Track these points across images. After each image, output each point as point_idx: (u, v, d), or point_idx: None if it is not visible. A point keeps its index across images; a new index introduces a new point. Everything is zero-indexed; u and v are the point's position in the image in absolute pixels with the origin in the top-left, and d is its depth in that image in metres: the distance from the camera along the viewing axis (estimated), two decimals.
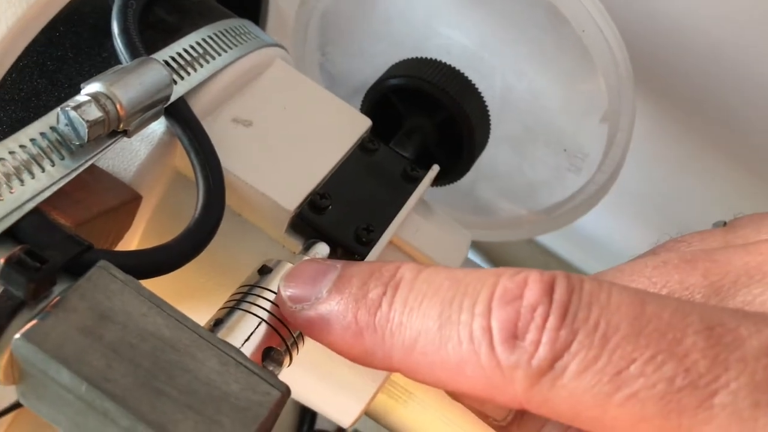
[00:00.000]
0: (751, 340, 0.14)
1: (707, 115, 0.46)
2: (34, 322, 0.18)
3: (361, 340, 0.17)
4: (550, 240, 0.67)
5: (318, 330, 0.18)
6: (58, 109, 0.20)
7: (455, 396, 0.20)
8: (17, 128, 0.20)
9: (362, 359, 0.18)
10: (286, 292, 0.19)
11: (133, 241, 0.25)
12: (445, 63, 0.31)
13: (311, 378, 0.27)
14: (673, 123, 0.48)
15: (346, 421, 0.28)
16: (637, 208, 0.59)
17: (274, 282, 0.22)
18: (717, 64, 0.41)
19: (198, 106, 0.25)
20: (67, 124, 0.20)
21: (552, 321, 0.15)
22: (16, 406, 0.35)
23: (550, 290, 0.15)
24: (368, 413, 0.29)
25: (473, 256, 0.55)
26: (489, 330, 0.15)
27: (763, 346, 0.14)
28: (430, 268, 0.17)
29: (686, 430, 0.14)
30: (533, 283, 0.15)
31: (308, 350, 0.22)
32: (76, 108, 0.20)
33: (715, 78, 0.43)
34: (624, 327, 0.14)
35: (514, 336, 0.15)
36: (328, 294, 0.18)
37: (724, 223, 0.22)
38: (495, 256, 0.63)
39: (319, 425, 0.39)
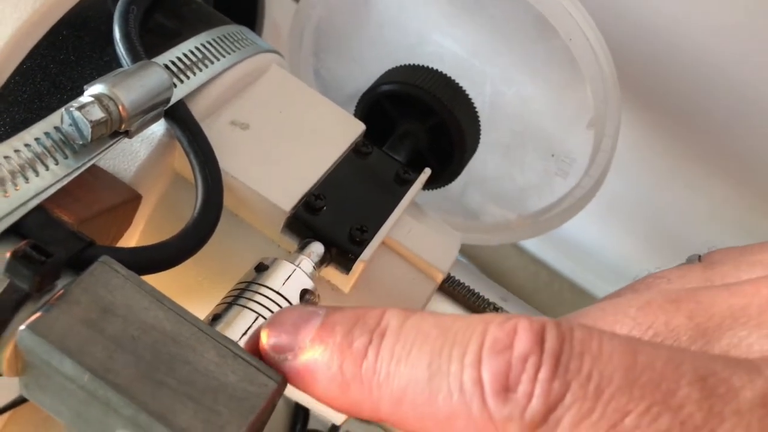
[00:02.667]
0: (744, 391, 0.14)
1: (694, 126, 0.47)
2: (38, 314, 0.18)
3: (348, 392, 0.17)
4: (539, 249, 0.67)
5: (302, 381, 0.18)
6: (63, 109, 0.21)
7: None
8: (20, 129, 0.21)
9: (349, 411, 0.17)
10: (269, 342, 0.18)
11: (132, 240, 0.26)
12: (436, 70, 0.32)
13: None
14: (660, 134, 0.49)
15: (338, 418, 0.28)
16: (625, 218, 0.60)
17: (271, 279, 0.23)
18: (703, 76, 0.42)
19: (197, 109, 0.25)
20: (71, 124, 0.21)
21: (544, 372, 0.14)
22: (15, 404, 0.36)
23: (540, 339, 0.15)
24: None
25: (464, 263, 0.56)
26: (480, 381, 0.15)
27: (757, 396, 0.14)
28: (416, 314, 0.17)
29: None
30: (523, 331, 0.15)
31: None
32: (79, 108, 0.21)
33: (702, 90, 0.43)
34: (617, 378, 0.14)
35: (505, 388, 0.15)
36: (311, 343, 0.17)
37: (699, 257, 0.22)
38: (486, 265, 0.63)
39: (311, 426, 0.40)
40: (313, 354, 0.17)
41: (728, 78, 0.42)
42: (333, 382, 0.17)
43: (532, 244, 0.67)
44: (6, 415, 0.35)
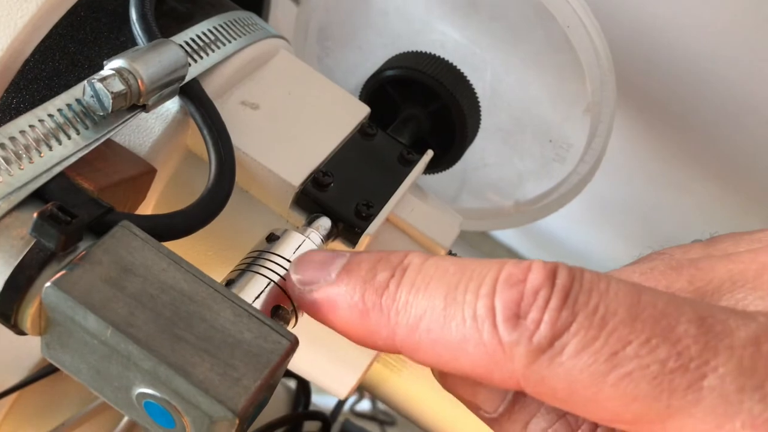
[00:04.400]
0: (738, 330, 0.15)
1: (685, 128, 0.48)
2: (62, 272, 0.19)
3: (367, 319, 0.18)
4: (533, 252, 0.68)
5: (325, 310, 0.19)
6: (85, 81, 0.22)
7: (449, 386, 0.21)
8: (39, 105, 0.22)
9: (366, 339, 0.18)
10: (296, 275, 0.20)
11: (146, 212, 0.27)
12: (439, 56, 0.33)
13: (308, 349, 0.28)
14: (651, 137, 0.50)
15: (342, 392, 0.29)
16: (618, 220, 0.61)
17: (282, 247, 0.24)
18: (694, 79, 0.43)
19: (209, 89, 0.26)
20: (92, 96, 0.22)
21: (554, 302, 0.15)
22: (21, 386, 0.37)
23: (552, 276, 0.16)
24: (363, 384, 0.31)
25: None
26: (492, 309, 0.16)
27: (750, 336, 0.15)
28: (437, 256, 0.18)
29: (675, 411, 0.14)
30: (537, 269, 0.16)
31: (306, 321, 0.23)
32: (101, 81, 0.22)
33: (693, 92, 0.44)
34: (621, 312, 0.15)
35: (516, 315, 0.16)
36: (338, 277, 0.19)
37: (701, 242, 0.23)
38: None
39: (312, 408, 0.41)
40: (338, 285, 0.18)
41: (719, 81, 0.43)
42: (354, 311, 0.18)
43: (524, 246, 0.68)
44: (11, 397, 0.36)
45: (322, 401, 0.47)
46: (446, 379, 0.20)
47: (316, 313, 0.19)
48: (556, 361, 0.15)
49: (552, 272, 0.16)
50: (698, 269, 0.19)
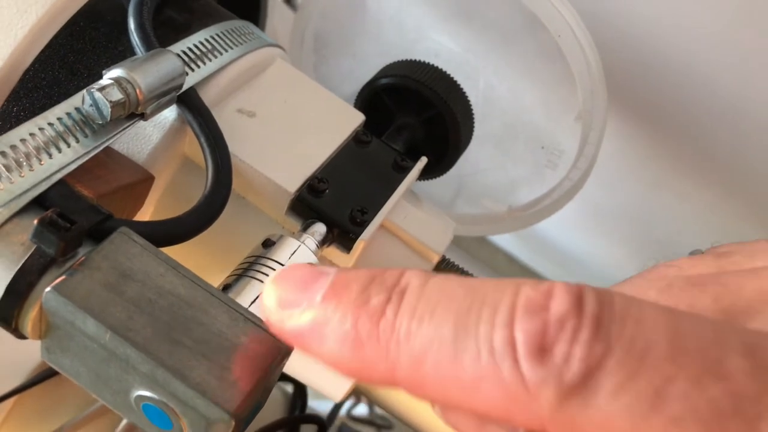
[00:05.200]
0: None
1: (680, 135, 0.48)
2: (62, 277, 0.19)
3: (361, 351, 0.15)
4: (530, 258, 0.69)
5: (310, 340, 0.16)
6: (84, 90, 0.22)
7: (452, 421, 0.19)
8: (39, 113, 0.22)
9: (360, 373, 0.16)
10: (274, 296, 0.17)
11: (143, 219, 0.27)
12: (433, 65, 0.33)
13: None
14: (646, 143, 0.50)
15: (337, 395, 0.30)
16: (613, 226, 0.61)
17: (277, 253, 0.24)
18: (689, 85, 0.44)
19: (206, 97, 0.27)
20: (91, 105, 0.22)
21: (584, 333, 0.13)
22: (20, 390, 0.37)
23: (579, 302, 0.14)
24: (359, 387, 0.31)
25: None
26: (512, 342, 0.14)
27: None
28: (440, 275, 0.16)
29: None
30: (560, 293, 0.14)
31: None
32: (100, 90, 0.22)
33: (688, 98, 0.45)
34: (662, 343, 0.13)
35: (541, 349, 0.14)
36: (323, 299, 0.16)
37: (701, 252, 0.22)
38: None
39: (309, 412, 0.41)
40: (325, 309, 0.16)
41: (711, 86, 0.43)
42: (345, 341, 0.15)
43: (521, 252, 0.68)
44: (10, 401, 0.36)
45: (319, 405, 0.47)
46: (449, 413, 0.19)
47: (300, 343, 0.17)
48: (590, 403, 0.13)
49: (578, 297, 0.14)
50: (723, 286, 0.17)
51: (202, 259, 0.28)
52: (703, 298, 0.17)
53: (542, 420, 0.14)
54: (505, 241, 0.68)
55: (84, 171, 0.23)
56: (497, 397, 0.14)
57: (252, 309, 0.22)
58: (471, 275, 0.30)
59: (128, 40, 0.26)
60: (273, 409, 0.40)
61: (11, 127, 0.25)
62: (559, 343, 0.13)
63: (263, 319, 0.18)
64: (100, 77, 0.23)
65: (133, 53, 0.26)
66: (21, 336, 0.21)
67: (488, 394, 0.14)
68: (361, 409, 0.59)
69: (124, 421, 0.39)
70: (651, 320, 0.14)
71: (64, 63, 0.26)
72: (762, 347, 0.14)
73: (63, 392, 0.38)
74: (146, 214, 0.27)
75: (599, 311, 0.14)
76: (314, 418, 0.38)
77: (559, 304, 0.14)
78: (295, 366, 0.30)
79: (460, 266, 0.30)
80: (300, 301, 0.16)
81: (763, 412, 0.13)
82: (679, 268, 0.20)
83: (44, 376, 0.36)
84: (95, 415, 0.38)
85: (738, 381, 0.13)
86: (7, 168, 0.21)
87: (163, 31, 0.28)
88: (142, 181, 0.25)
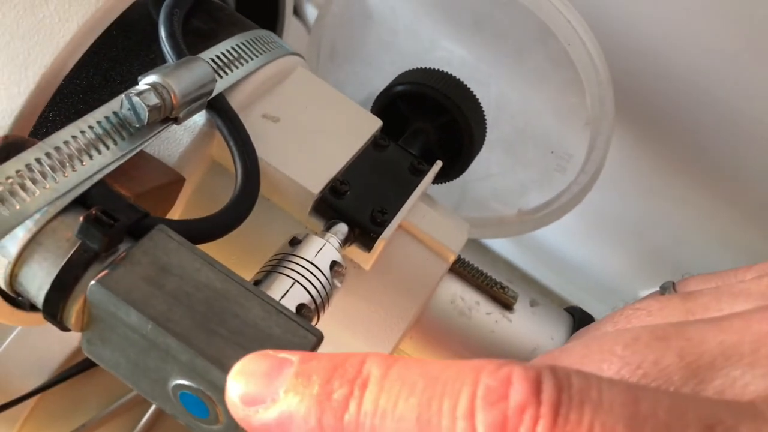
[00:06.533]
0: None
1: (681, 143, 0.49)
2: (105, 271, 0.20)
3: None
4: (532, 267, 0.69)
5: None
6: (123, 95, 0.24)
7: None
8: (75, 117, 0.23)
9: None
10: (238, 391, 0.17)
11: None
12: (446, 72, 0.35)
13: (323, 349, 0.30)
14: (651, 150, 0.51)
15: None
16: (614, 234, 0.62)
17: (304, 250, 0.25)
18: (691, 95, 0.45)
19: (233, 103, 0.28)
20: (129, 109, 0.24)
21: (543, 424, 0.14)
22: (39, 390, 0.38)
23: (536, 389, 0.14)
24: None
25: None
26: None
27: None
28: (400, 361, 0.16)
29: None
30: (518, 380, 0.14)
31: (322, 321, 0.25)
32: (138, 94, 0.23)
33: (690, 108, 0.46)
34: (620, 428, 0.13)
35: None
36: (286, 393, 0.16)
37: (673, 284, 0.22)
38: None
39: None
40: (288, 405, 0.16)
41: (716, 96, 0.44)
42: None
43: (522, 260, 0.69)
44: (32, 400, 0.37)
45: None
46: None
47: None
48: None
49: (536, 384, 0.14)
50: (687, 341, 0.17)
51: (228, 257, 0.29)
52: (668, 354, 0.17)
53: None
54: (505, 249, 0.68)
55: (121, 172, 0.24)
56: None
57: (282, 302, 0.23)
58: (486, 274, 0.31)
59: (159, 48, 0.27)
60: None
61: (47, 131, 0.26)
62: None
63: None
64: (133, 83, 0.24)
65: (163, 61, 0.27)
66: (65, 328, 0.22)
67: None
68: None
69: (144, 420, 0.40)
70: (608, 402, 0.14)
71: (98, 70, 0.27)
72: (720, 423, 0.14)
73: (84, 391, 0.39)
74: (175, 214, 0.28)
75: (557, 398, 0.14)
76: None
77: (518, 392, 0.14)
78: None
79: (476, 265, 0.31)
80: (264, 396, 0.16)
81: None
82: (647, 312, 0.20)
83: (66, 375, 0.37)
84: (116, 414, 0.39)
85: None
86: (52, 168, 0.22)
87: (191, 40, 0.29)
88: (174, 182, 0.26)
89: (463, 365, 0.15)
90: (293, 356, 0.17)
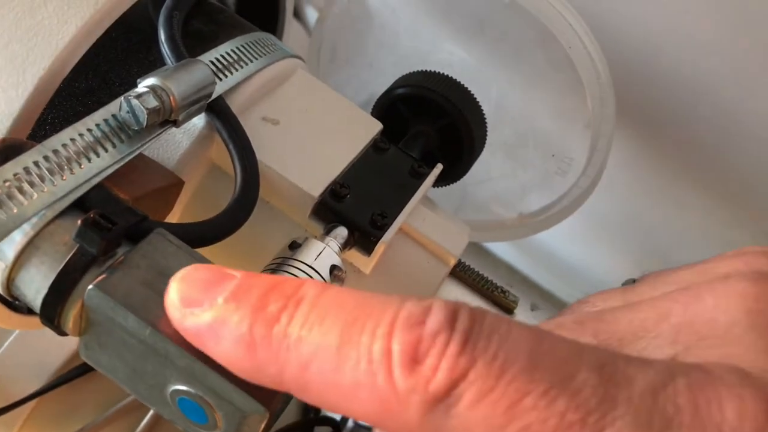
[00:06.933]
0: (637, 379, 0.14)
1: (682, 145, 0.49)
2: (103, 275, 0.20)
3: (253, 353, 0.16)
4: (531, 269, 0.69)
5: (206, 339, 0.17)
6: (122, 98, 0.23)
7: None
8: (74, 119, 0.23)
9: (251, 374, 0.17)
10: (177, 294, 0.18)
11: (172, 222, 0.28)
12: (447, 75, 0.35)
13: None
14: (651, 153, 0.51)
15: None
16: (616, 236, 0.62)
17: (304, 254, 0.25)
18: (692, 97, 0.45)
19: (232, 106, 0.28)
20: (128, 111, 0.23)
21: (452, 347, 0.14)
22: (37, 394, 0.38)
23: (453, 318, 0.15)
24: None
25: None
26: (389, 352, 0.15)
27: (647, 385, 0.14)
28: (335, 287, 0.17)
29: None
30: (437, 309, 0.15)
31: None
32: (137, 97, 0.23)
33: (691, 110, 0.46)
34: (521, 359, 0.14)
35: (413, 360, 0.15)
36: (224, 302, 0.17)
37: (633, 281, 0.23)
38: None
39: (323, 414, 0.42)
40: (224, 311, 0.17)
41: (716, 98, 0.44)
42: (239, 343, 0.16)
43: (522, 263, 0.69)
44: (30, 404, 0.37)
45: None
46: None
47: (197, 340, 0.17)
48: (452, 412, 0.14)
49: (453, 314, 0.15)
50: (601, 322, 0.18)
51: (227, 259, 0.29)
52: (584, 335, 0.18)
53: (411, 428, 0.15)
54: (505, 251, 0.68)
55: (119, 175, 0.24)
56: (372, 405, 0.15)
57: None
58: (486, 278, 0.31)
59: (158, 51, 0.27)
60: (287, 411, 0.41)
61: (45, 134, 0.26)
62: (429, 356, 0.14)
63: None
64: (132, 86, 0.24)
65: (163, 63, 0.27)
66: (62, 333, 0.22)
67: (364, 402, 0.15)
68: None
69: (142, 424, 0.40)
70: (515, 337, 0.15)
71: (97, 72, 0.27)
72: (613, 363, 0.15)
73: (82, 395, 0.39)
74: (174, 217, 0.28)
75: (469, 327, 0.15)
76: (329, 420, 0.39)
77: (435, 319, 0.15)
78: None
79: (476, 269, 0.30)
80: (202, 300, 0.17)
81: (604, 426, 0.14)
82: (592, 304, 0.21)
83: (65, 378, 0.37)
84: (114, 418, 0.39)
85: (585, 395, 0.14)
86: (50, 171, 0.21)
87: (190, 42, 0.29)
88: (173, 185, 0.26)
89: (392, 296, 0.16)
90: (237, 273, 0.18)
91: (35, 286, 0.21)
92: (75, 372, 0.37)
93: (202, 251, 0.24)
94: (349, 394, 0.15)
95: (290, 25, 0.41)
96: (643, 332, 0.17)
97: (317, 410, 0.41)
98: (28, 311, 0.25)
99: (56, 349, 0.38)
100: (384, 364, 0.15)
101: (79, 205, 0.22)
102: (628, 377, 0.14)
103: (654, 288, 0.20)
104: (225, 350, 0.17)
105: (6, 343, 0.38)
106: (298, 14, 0.49)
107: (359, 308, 0.16)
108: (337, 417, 0.44)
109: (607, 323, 0.18)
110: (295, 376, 0.16)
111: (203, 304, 0.17)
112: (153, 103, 0.23)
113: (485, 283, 0.30)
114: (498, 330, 0.15)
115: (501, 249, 0.68)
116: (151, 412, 0.41)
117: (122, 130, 0.24)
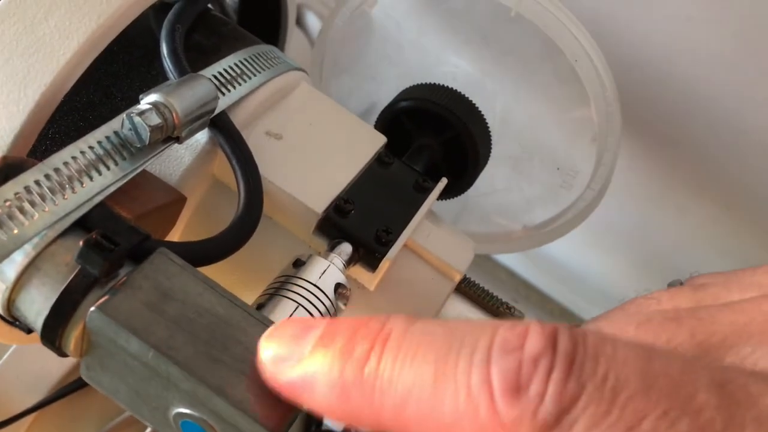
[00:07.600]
0: (763, 398, 0.14)
1: (683, 153, 0.49)
2: (105, 297, 0.20)
3: (348, 398, 0.16)
4: (533, 275, 0.69)
5: (301, 391, 0.17)
6: (123, 115, 0.23)
7: None
8: (75, 134, 0.23)
9: (349, 419, 0.16)
10: (268, 353, 0.18)
11: (173, 239, 0.28)
12: (451, 87, 0.34)
13: None
14: (656, 165, 0.51)
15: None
16: (616, 243, 0.62)
17: (308, 272, 0.25)
18: (693, 106, 0.45)
19: (236, 120, 0.28)
20: (130, 129, 0.23)
21: (557, 372, 0.14)
22: (37, 407, 0.37)
23: (552, 341, 0.14)
24: None
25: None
26: (489, 381, 0.14)
27: None
28: (422, 320, 0.16)
29: None
30: (535, 333, 0.15)
31: None
32: (139, 114, 0.23)
33: (693, 118, 0.46)
34: (633, 381, 0.14)
35: (516, 388, 0.14)
36: (312, 351, 0.17)
37: (680, 282, 0.22)
38: None
39: (325, 426, 0.41)
40: (314, 362, 0.17)
41: (718, 108, 0.44)
42: (333, 390, 0.16)
43: (523, 268, 0.69)
44: (30, 417, 0.37)
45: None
46: None
47: (292, 394, 0.17)
48: None
49: (552, 336, 0.14)
50: (699, 320, 0.18)
51: (230, 276, 0.28)
52: (681, 332, 0.18)
53: None
54: (507, 257, 0.68)
55: (121, 193, 0.23)
56: None
57: None
58: (492, 294, 0.30)
59: (160, 65, 0.27)
60: None
61: (47, 149, 0.26)
62: (533, 382, 0.14)
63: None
64: (134, 100, 0.24)
65: (165, 77, 0.27)
66: (63, 354, 0.21)
67: None
68: None
69: None
70: (623, 358, 0.14)
71: (99, 86, 0.27)
72: (730, 382, 0.14)
73: (82, 409, 0.39)
74: (176, 234, 0.28)
75: (572, 350, 0.14)
76: None
77: (534, 343, 0.14)
78: None
79: (482, 285, 0.30)
80: (292, 355, 0.17)
81: None
82: (657, 301, 0.21)
83: (64, 392, 0.37)
84: (115, 431, 0.39)
85: (707, 416, 0.13)
86: (52, 190, 0.21)
87: (193, 55, 0.28)
88: (176, 201, 0.26)
89: (483, 321, 0.15)
90: (320, 322, 0.18)
91: (36, 307, 0.21)
92: (75, 385, 0.36)
93: (205, 270, 0.24)
94: (452, 427, 0.15)
95: (292, 33, 0.41)
96: (748, 335, 0.17)
97: (319, 423, 0.41)
98: (29, 330, 0.25)
99: (56, 362, 0.37)
100: (485, 393, 0.14)
101: (80, 224, 0.22)
102: (751, 396, 0.14)
103: (729, 289, 0.19)
104: (320, 399, 0.17)
105: (5, 356, 0.37)
106: (300, 22, 0.48)
107: (450, 336, 0.15)
108: (339, 429, 0.43)
109: (705, 322, 0.17)
110: (393, 417, 0.15)
111: (293, 358, 0.17)
112: (156, 120, 0.23)
113: (490, 299, 0.30)
114: (603, 350, 0.14)
115: (506, 257, 0.68)
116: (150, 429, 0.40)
117: (124, 148, 0.23)
